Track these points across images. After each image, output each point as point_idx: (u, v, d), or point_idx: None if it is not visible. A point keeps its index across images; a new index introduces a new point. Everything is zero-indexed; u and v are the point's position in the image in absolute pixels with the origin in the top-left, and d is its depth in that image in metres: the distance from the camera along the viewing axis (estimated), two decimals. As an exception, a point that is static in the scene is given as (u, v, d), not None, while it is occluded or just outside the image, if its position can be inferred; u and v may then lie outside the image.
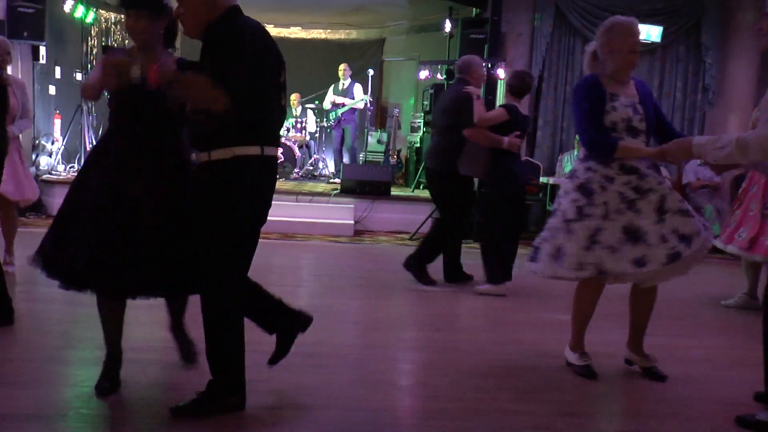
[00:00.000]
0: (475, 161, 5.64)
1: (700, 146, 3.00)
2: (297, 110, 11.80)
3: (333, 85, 11.63)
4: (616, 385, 3.71)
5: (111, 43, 11.69)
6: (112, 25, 11.68)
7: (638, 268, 3.42)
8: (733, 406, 3.23)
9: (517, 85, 5.63)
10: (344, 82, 11.48)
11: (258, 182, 2.87)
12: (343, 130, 11.47)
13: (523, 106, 5.74)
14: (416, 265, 5.90)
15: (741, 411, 3.12)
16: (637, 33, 3.56)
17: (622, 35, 3.52)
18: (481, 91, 6.58)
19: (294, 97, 11.74)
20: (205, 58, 2.79)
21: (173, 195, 3.03)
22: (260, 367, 3.43)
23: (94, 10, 10.55)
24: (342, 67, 11.61)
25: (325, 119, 11.58)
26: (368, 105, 11.34)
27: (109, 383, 3.11)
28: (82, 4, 9.91)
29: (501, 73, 9.12)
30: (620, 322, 4.06)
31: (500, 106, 5.74)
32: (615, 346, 4.01)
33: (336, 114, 11.43)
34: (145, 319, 3.93)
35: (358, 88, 11.42)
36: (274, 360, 3.27)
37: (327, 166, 11.80)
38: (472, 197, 5.62)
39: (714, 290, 6.16)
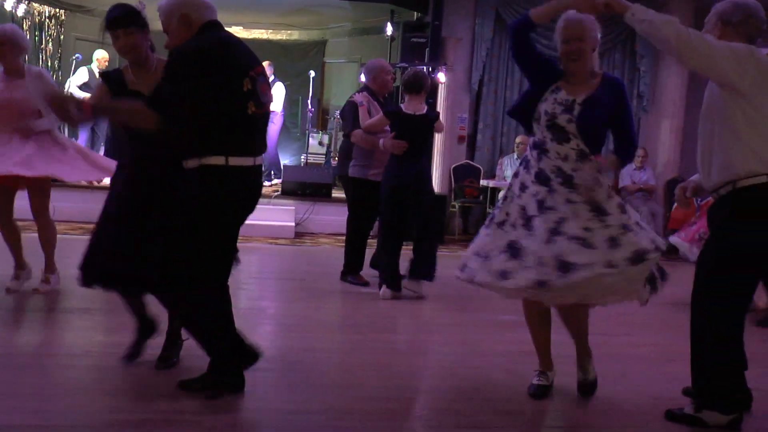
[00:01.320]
0: (366, 164, 5.79)
1: (638, 11, 3.10)
2: None
3: None
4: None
5: (45, 38, 11.33)
6: (46, 19, 11.33)
7: (500, 280, 3.23)
8: (665, 400, 3.31)
9: (409, 83, 5.54)
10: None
11: (224, 190, 2.95)
12: None
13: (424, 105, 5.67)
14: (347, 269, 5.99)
15: (672, 405, 3.21)
16: (567, 28, 3.36)
17: (558, 31, 3.41)
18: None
19: None
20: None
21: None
22: (193, 372, 3.37)
23: (26, 2, 10.22)
24: (265, 64, 11.30)
25: None
26: (308, 107, 11.25)
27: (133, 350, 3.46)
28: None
29: (442, 77, 9.19)
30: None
31: (384, 111, 5.66)
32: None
33: None
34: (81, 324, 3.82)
35: (277, 87, 11.06)
36: (193, 383, 3.15)
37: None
38: (377, 199, 5.66)
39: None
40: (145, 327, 3.53)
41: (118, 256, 3.18)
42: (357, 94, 5.99)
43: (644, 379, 3.86)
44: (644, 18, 2.99)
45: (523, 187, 3.32)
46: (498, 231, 3.33)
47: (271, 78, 11.06)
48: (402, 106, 5.62)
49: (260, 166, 3.14)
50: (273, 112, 10.89)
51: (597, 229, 3.17)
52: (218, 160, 2.92)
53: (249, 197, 3.10)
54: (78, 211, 7.47)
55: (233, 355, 3.10)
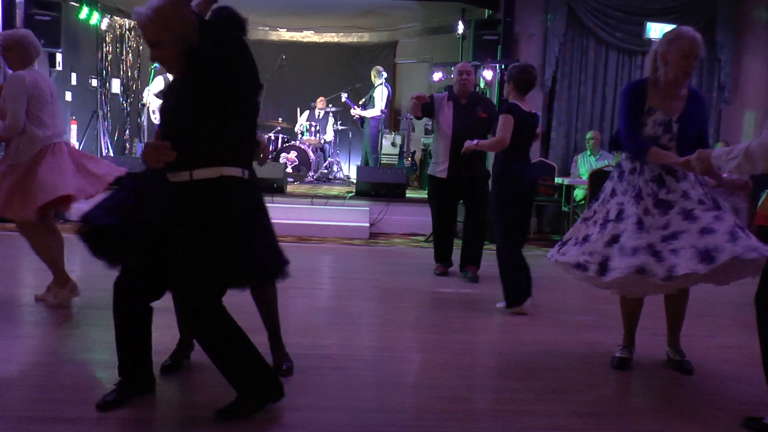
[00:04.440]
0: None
1: (717, 158, 3.03)
2: (320, 114, 11.86)
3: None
4: (634, 386, 3.70)
5: (126, 49, 11.78)
6: (127, 32, 11.79)
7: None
8: (750, 405, 3.21)
9: (524, 80, 5.17)
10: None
11: (221, 201, 2.85)
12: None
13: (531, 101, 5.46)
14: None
15: (757, 411, 3.10)
16: (694, 43, 3.57)
17: (678, 44, 3.56)
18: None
19: (320, 101, 11.84)
20: None
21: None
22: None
23: (109, 17, 10.66)
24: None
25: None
26: (382, 109, 11.35)
27: (171, 361, 3.48)
28: (96, 11, 10.01)
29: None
30: (647, 323, 4.06)
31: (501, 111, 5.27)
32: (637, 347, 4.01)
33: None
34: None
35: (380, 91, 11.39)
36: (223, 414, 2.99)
37: (341, 169, 11.84)
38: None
39: (728, 289, 6.12)
40: (188, 345, 3.60)
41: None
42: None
43: (729, 382, 3.74)
44: (729, 161, 2.94)
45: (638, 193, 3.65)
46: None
47: (380, 82, 11.28)
48: (517, 103, 5.19)
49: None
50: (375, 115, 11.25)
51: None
52: (236, 172, 2.88)
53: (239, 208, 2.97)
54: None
55: (255, 370, 2.99)
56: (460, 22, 9.82)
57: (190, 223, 2.82)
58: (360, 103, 11.56)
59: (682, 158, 3.46)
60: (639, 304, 3.92)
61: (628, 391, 3.63)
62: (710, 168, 3.18)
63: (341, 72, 13.30)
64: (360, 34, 13.65)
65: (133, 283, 2.99)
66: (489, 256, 6.18)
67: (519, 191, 5.12)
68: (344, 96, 11.65)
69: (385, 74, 11.48)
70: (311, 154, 11.28)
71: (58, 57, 9.28)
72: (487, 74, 8.94)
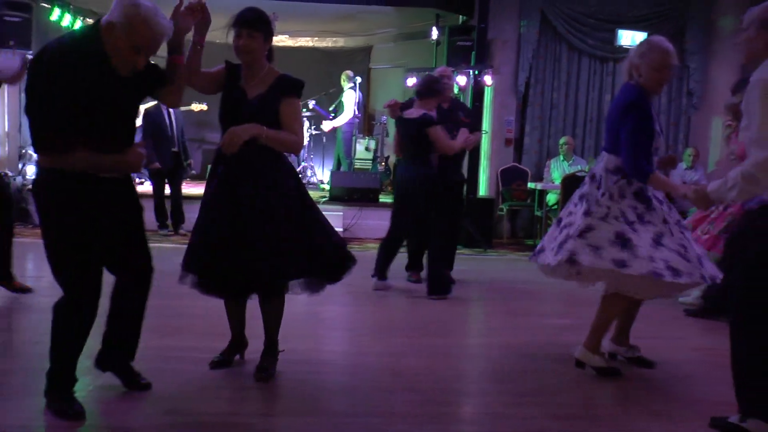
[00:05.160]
0: None
1: (715, 192, 3.02)
2: None
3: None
4: (608, 389, 3.73)
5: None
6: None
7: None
8: (720, 405, 3.25)
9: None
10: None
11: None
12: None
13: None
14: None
15: (724, 411, 3.14)
16: (674, 58, 3.66)
17: (661, 56, 3.61)
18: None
19: None
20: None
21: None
22: (251, 375, 3.44)
23: (81, 18, 10.52)
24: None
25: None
26: (355, 113, 11.35)
27: (222, 357, 3.60)
28: (68, 12, 9.89)
29: (488, 80, 9.16)
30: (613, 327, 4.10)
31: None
32: (605, 350, 4.05)
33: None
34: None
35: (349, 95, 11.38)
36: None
37: (315, 174, 11.80)
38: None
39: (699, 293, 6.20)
40: (240, 342, 3.68)
41: (236, 264, 3.28)
42: None
43: (699, 384, 3.79)
44: (730, 191, 2.92)
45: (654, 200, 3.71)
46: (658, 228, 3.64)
47: (350, 86, 11.26)
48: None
49: None
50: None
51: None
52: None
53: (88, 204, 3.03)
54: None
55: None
56: (435, 28, 9.86)
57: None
58: (330, 109, 11.54)
59: (681, 189, 3.56)
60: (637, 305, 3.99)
61: (602, 393, 3.66)
62: (710, 204, 3.24)
63: (316, 77, 13.21)
64: (335, 38, 13.63)
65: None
66: (466, 260, 6.22)
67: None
68: (311, 103, 11.58)
69: (359, 79, 11.48)
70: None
71: (29, 58, 9.13)
72: (461, 80, 8.98)
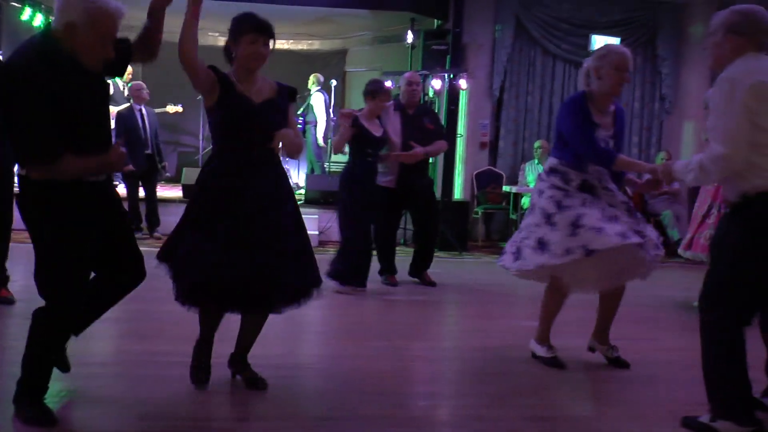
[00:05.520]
0: None
1: (678, 171, 3.18)
2: None
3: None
4: (581, 389, 3.77)
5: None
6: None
7: (624, 239, 3.64)
8: (693, 405, 3.29)
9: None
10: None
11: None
12: None
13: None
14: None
15: (695, 411, 3.18)
16: (626, 59, 3.77)
17: (612, 58, 3.74)
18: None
19: None
20: None
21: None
22: (226, 379, 3.42)
23: (52, 18, 10.41)
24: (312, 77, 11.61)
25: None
26: (330, 116, 11.35)
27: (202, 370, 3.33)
28: (40, 12, 9.76)
29: (463, 83, 9.20)
30: (583, 329, 4.14)
31: None
32: (578, 351, 4.09)
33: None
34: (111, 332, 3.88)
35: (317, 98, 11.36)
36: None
37: (291, 177, 11.77)
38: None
39: (673, 293, 6.30)
40: (210, 347, 3.40)
41: (251, 278, 3.12)
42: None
43: (672, 384, 3.84)
44: (688, 172, 3.07)
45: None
46: (576, 211, 3.74)
47: (317, 89, 11.23)
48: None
49: None
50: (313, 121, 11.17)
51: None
52: None
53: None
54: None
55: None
56: (410, 32, 9.89)
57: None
58: (299, 113, 11.53)
59: (649, 165, 3.71)
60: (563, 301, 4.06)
61: (576, 394, 3.70)
62: (673, 178, 3.35)
63: (291, 79, 13.06)
64: (310, 41, 13.62)
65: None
66: (441, 263, 6.24)
67: None
68: None
69: (334, 82, 11.46)
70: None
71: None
72: (436, 84, 9.02)
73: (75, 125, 2.75)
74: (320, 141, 11.24)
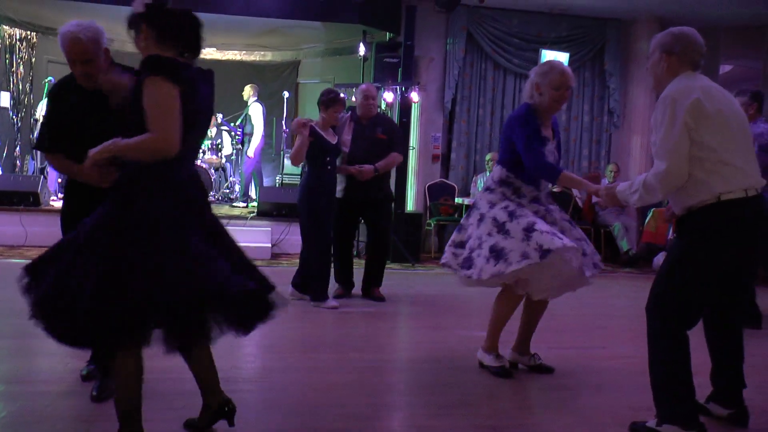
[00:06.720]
0: None
1: (622, 192, 3.25)
2: (212, 132, 11.56)
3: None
4: (531, 398, 3.79)
5: (16, 61, 11.25)
6: (17, 42, 11.26)
7: (575, 243, 3.79)
8: (641, 411, 3.34)
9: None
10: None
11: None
12: None
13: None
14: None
15: (642, 416, 3.23)
16: (566, 76, 3.86)
17: (552, 76, 3.84)
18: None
19: (213, 119, 11.50)
20: None
21: None
22: (173, 395, 3.35)
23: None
24: (248, 87, 11.25)
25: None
26: (283, 127, 11.25)
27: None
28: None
29: (415, 96, 9.26)
30: (535, 338, 4.18)
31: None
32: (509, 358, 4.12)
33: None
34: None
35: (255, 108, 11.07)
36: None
37: (236, 192, 11.63)
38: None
39: (620, 302, 6.42)
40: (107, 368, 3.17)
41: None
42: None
43: (622, 390, 3.89)
44: (632, 194, 3.17)
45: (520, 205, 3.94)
46: (529, 218, 3.82)
47: (254, 99, 11.05)
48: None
49: None
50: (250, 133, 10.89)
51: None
52: None
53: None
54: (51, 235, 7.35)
55: None
56: (362, 44, 9.93)
57: None
58: (237, 123, 11.41)
59: (593, 186, 3.77)
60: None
61: (525, 402, 3.72)
62: (617, 201, 3.39)
63: (243, 90, 13.12)
64: (263, 52, 13.57)
65: None
66: (394, 275, 6.24)
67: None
68: (219, 117, 11.39)
69: (286, 93, 11.37)
70: (212, 174, 11.05)
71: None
72: (388, 96, 9.05)
73: (69, 133, 3.32)
74: (251, 152, 10.88)
